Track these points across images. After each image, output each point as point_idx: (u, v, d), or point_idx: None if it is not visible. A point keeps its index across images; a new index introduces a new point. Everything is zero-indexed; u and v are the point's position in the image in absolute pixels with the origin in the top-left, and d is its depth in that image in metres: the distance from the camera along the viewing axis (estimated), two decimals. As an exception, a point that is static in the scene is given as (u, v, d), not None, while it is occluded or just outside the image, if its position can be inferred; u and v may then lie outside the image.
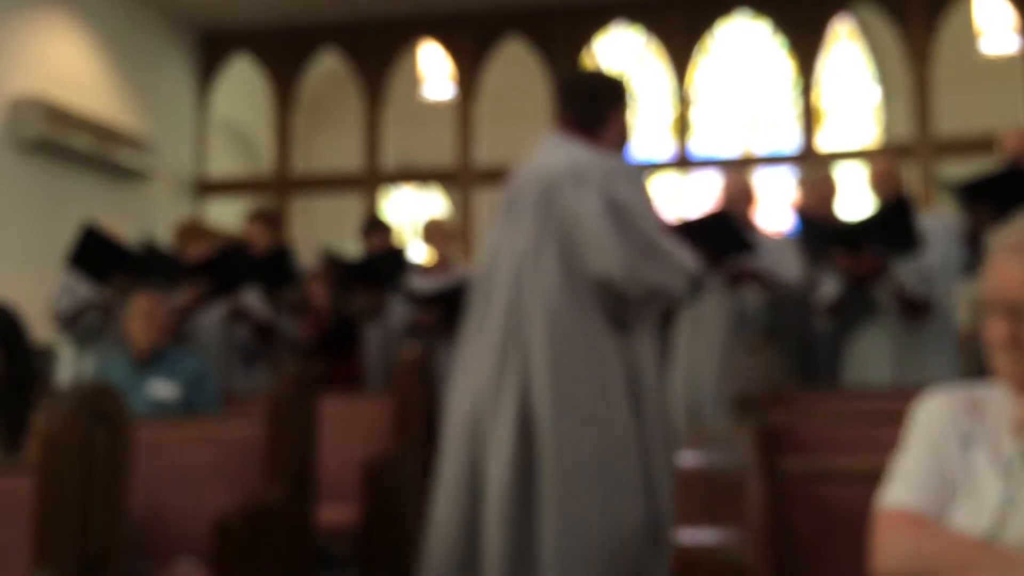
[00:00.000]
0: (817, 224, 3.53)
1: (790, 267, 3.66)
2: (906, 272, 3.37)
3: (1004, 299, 1.25)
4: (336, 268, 4.46)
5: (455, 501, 2.22)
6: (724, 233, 3.56)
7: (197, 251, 4.28)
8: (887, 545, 1.25)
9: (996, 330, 1.25)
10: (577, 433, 2.13)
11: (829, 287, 3.56)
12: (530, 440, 2.14)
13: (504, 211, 2.32)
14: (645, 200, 2.27)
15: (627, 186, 2.22)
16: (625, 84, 2.46)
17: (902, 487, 1.30)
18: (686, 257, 2.32)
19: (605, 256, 2.13)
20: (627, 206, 2.17)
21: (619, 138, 2.38)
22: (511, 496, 2.11)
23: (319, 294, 4.43)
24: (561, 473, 2.11)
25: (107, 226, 4.34)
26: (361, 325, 4.33)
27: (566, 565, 2.08)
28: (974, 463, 1.29)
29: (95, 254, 3.95)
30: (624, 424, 2.19)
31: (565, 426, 2.13)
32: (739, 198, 3.81)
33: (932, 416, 1.34)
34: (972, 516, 1.25)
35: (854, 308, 3.51)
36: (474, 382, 2.25)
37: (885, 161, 3.74)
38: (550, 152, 2.29)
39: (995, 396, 1.34)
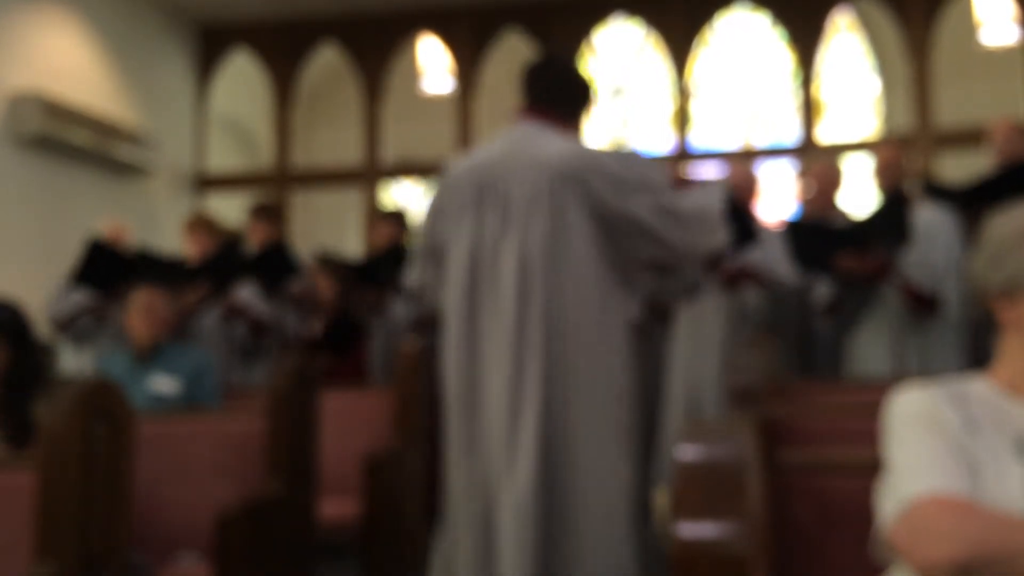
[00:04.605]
0: (812, 230, 3.51)
1: (787, 262, 3.66)
2: (913, 268, 3.37)
3: None
4: (336, 268, 4.47)
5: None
6: (730, 220, 3.54)
7: (203, 245, 4.28)
8: (933, 533, 1.12)
9: None
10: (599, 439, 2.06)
11: (822, 289, 3.57)
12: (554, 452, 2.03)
13: (476, 203, 2.14)
14: (665, 182, 2.16)
15: (647, 172, 2.13)
16: (594, 86, 2.35)
17: (926, 475, 1.18)
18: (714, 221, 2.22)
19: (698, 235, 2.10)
20: (666, 196, 2.11)
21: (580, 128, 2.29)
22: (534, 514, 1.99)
23: (324, 287, 4.43)
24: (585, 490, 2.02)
25: (112, 232, 4.38)
26: (365, 322, 4.33)
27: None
28: (989, 448, 1.22)
29: (101, 268, 3.99)
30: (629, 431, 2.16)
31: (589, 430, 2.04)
32: (743, 189, 3.81)
33: (923, 405, 1.27)
34: (999, 505, 1.17)
35: (850, 306, 3.52)
36: (488, 403, 2.09)
37: (891, 149, 3.74)
38: (533, 142, 2.15)
39: (974, 389, 1.30)
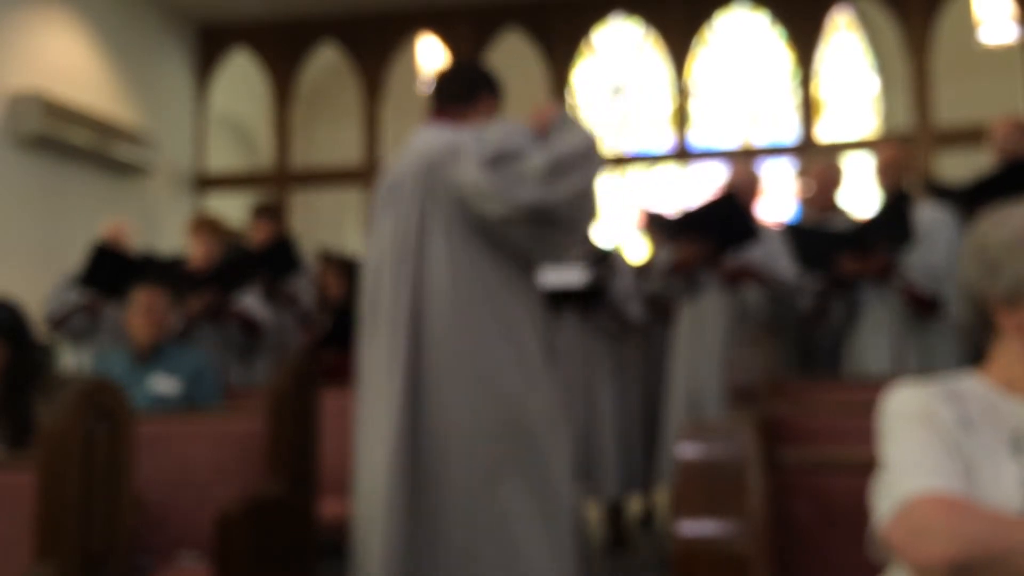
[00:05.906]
0: (814, 234, 3.51)
1: (788, 261, 3.66)
2: (914, 269, 3.37)
3: None
4: (343, 264, 4.49)
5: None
6: (731, 218, 3.54)
7: (207, 246, 4.28)
8: (929, 532, 1.11)
9: None
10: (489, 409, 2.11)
11: (804, 300, 3.58)
12: (417, 433, 2.11)
13: (380, 209, 2.28)
14: (515, 132, 2.20)
15: (496, 133, 2.18)
16: (495, 75, 2.41)
17: (921, 473, 1.17)
18: (578, 143, 2.19)
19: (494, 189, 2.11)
20: (504, 149, 2.13)
21: (487, 119, 2.33)
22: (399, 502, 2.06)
23: (333, 284, 4.45)
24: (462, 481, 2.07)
25: (112, 232, 4.38)
26: None
27: None
28: (984, 445, 1.22)
29: (106, 271, 4.01)
30: (547, 393, 2.18)
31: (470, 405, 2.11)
32: (745, 188, 3.81)
33: (917, 402, 1.26)
34: (994, 502, 1.17)
35: (836, 316, 3.54)
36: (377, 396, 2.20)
37: (892, 149, 3.74)
38: (422, 141, 2.27)
39: (968, 387, 1.30)
